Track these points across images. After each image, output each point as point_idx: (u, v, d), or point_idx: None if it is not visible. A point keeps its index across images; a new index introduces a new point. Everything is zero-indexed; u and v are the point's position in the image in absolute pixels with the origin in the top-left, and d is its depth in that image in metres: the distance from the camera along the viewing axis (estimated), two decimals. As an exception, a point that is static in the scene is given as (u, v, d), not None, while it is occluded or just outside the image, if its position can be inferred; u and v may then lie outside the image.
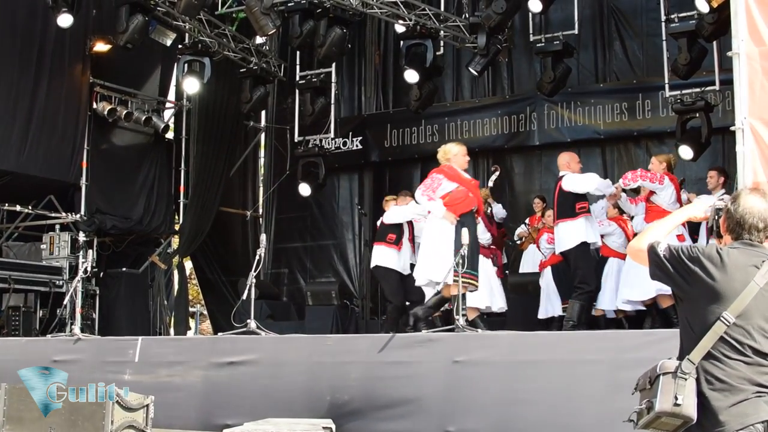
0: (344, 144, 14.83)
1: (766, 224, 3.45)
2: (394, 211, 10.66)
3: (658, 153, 12.56)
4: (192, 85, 13.26)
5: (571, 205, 9.24)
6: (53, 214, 13.01)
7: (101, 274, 13.39)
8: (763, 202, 3.47)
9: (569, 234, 9.23)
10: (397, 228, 10.55)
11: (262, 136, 16.20)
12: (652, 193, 9.46)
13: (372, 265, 10.77)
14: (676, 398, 3.25)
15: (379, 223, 10.91)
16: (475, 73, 12.58)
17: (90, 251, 11.57)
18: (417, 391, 7.04)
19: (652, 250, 3.50)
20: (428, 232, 8.65)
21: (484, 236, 10.51)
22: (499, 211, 11.60)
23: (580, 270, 9.27)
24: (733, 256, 3.38)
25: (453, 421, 6.80)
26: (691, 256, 3.41)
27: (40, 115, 12.48)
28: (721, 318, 3.29)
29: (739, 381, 3.28)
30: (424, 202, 8.58)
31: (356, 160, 15.01)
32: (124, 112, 13.38)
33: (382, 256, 10.53)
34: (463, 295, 8.11)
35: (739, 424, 3.25)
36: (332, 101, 14.29)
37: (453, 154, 8.70)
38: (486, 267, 10.40)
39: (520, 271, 12.12)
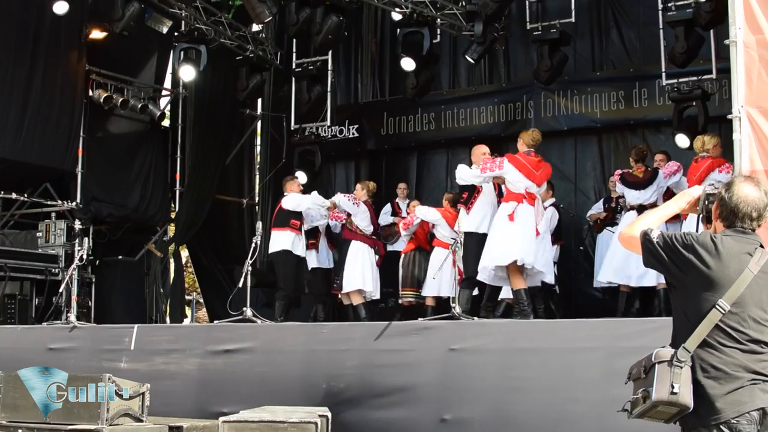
0: (340, 132, 14.79)
1: (759, 213, 3.44)
2: (294, 199, 10.81)
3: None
4: (188, 73, 13.20)
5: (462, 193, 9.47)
6: (49, 202, 12.97)
7: (97, 262, 13.35)
8: (756, 191, 3.45)
9: (463, 220, 9.35)
10: (299, 214, 10.79)
11: (259, 124, 16.14)
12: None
13: (273, 250, 10.84)
14: (673, 387, 3.25)
15: (277, 208, 10.99)
16: (472, 61, 12.51)
17: (86, 239, 11.50)
18: (413, 379, 7.05)
19: (645, 237, 3.48)
20: None
21: (369, 229, 10.99)
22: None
23: (464, 258, 9.09)
24: (727, 243, 3.38)
25: (449, 409, 6.81)
26: (685, 243, 3.40)
27: (36, 102, 12.42)
28: (717, 306, 3.29)
29: (734, 368, 3.29)
30: None
31: (353, 149, 14.97)
32: (120, 99, 13.31)
33: (287, 241, 10.69)
34: None
35: (735, 411, 3.25)
36: (329, 89, 14.21)
37: (713, 145, 9.11)
38: (371, 255, 10.94)
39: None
